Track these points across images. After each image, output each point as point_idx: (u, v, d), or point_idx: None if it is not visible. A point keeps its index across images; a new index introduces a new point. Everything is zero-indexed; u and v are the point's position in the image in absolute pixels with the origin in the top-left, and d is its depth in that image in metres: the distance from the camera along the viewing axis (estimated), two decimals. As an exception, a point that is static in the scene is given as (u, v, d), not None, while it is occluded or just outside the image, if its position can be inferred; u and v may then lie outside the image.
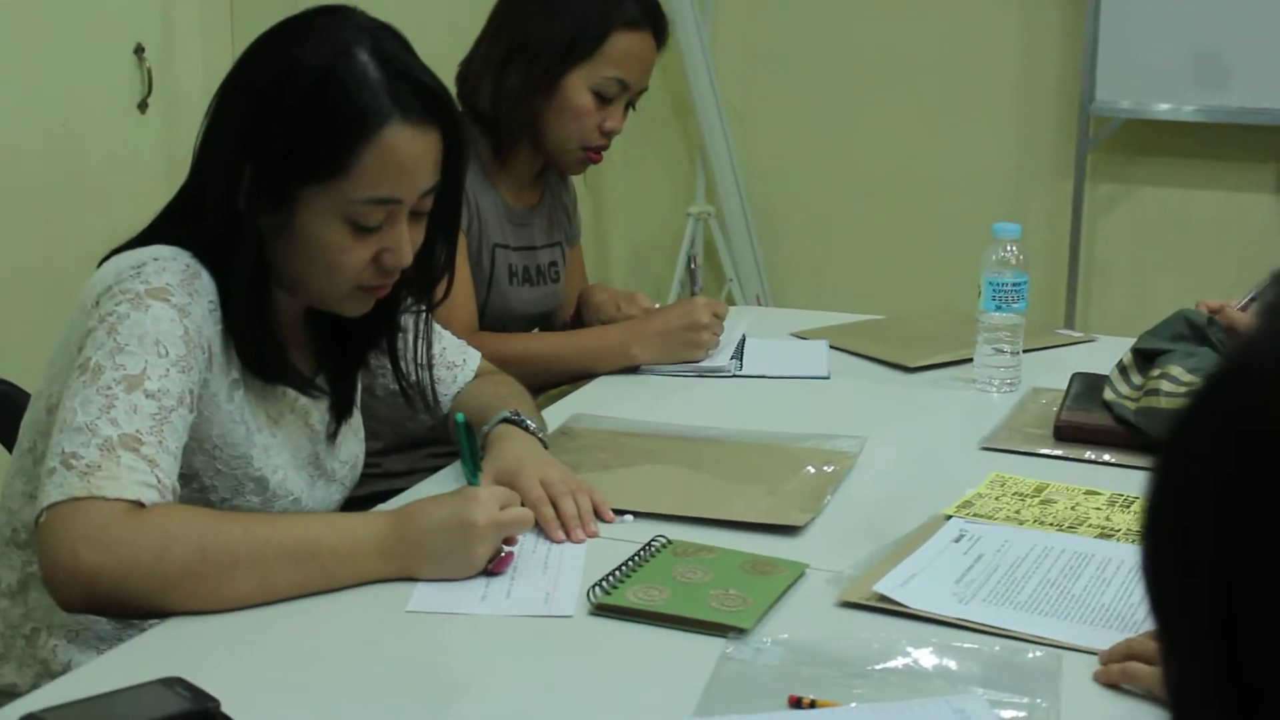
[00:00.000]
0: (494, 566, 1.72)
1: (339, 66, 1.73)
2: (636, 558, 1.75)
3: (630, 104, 2.74)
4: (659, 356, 2.65)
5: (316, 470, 1.94)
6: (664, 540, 1.80)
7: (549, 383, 2.68)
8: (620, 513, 1.94)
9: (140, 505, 1.59)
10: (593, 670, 1.55)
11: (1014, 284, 2.46)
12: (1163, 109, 4.61)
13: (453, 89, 2.72)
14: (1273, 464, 0.65)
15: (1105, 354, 2.61)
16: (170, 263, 1.72)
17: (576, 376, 2.64)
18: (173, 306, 1.69)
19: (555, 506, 1.89)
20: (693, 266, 2.95)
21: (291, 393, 1.88)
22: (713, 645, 1.55)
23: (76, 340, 1.70)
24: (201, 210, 1.77)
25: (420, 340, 2.03)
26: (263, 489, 1.82)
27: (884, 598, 1.66)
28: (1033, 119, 4.94)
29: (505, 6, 2.74)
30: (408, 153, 1.75)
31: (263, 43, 1.80)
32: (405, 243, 1.78)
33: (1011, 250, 2.46)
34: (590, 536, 1.87)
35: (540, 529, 1.86)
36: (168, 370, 1.66)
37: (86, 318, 1.70)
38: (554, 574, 1.77)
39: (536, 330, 2.87)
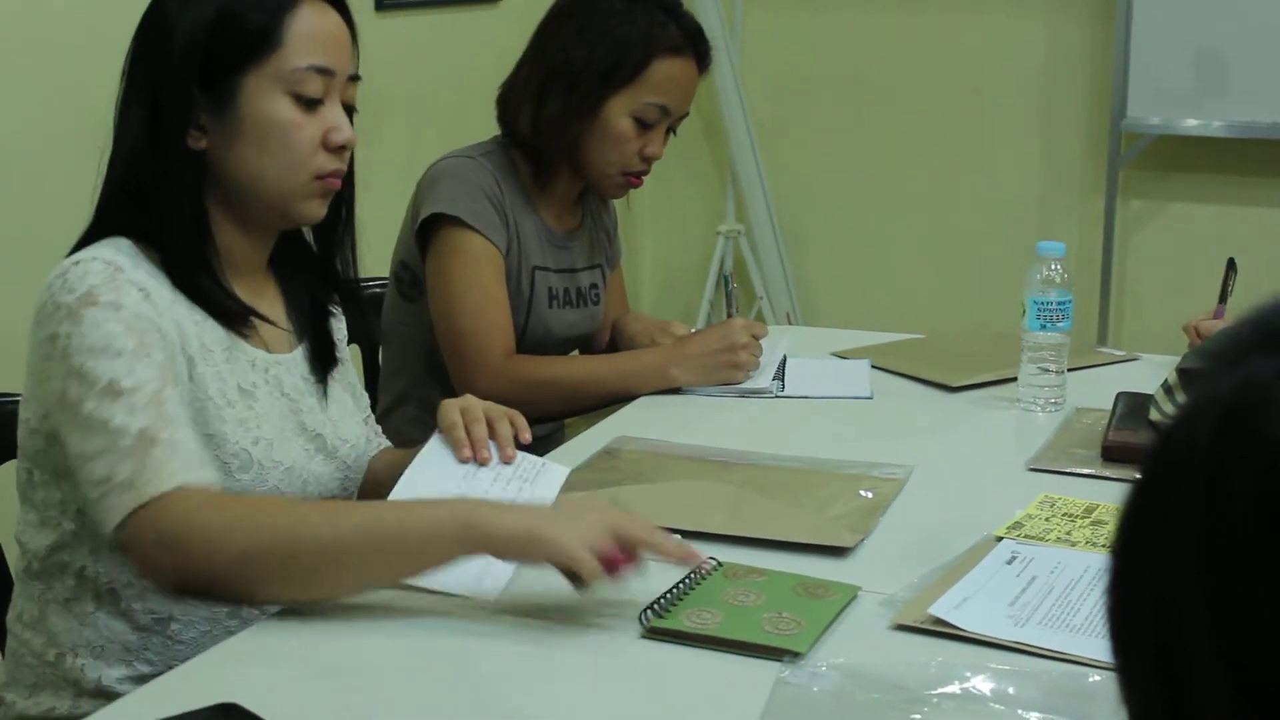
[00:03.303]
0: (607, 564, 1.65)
1: None
2: (688, 580, 1.74)
3: (671, 129, 2.74)
4: (698, 379, 2.64)
5: (312, 442, 1.92)
6: (715, 562, 1.79)
7: (587, 406, 2.68)
8: (668, 532, 1.93)
9: (199, 490, 1.65)
10: (647, 695, 1.55)
11: (1058, 303, 2.45)
12: (1193, 125, 4.59)
13: (493, 112, 2.75)
14: (1198, 529, 0.69)
15: (1148, 373, 2.60)
16: (91, 264, 1.73)
17: (614, 399, 2.63)
18: (102, 307, 1.70)
19: (468, 430, 1.95)
20: (730, 288, 2.94)
21: (260, 360, 1.88)
22: (767, 670, 1.54)
23: (36, 362, 1.74)
24: (129, 178, 1.80)
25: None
26: (248, 465, 1.81)
27: (939, 620, 1.65)
28: (1063, 136, 4.93)
29: (546, 30, 2.73)
30: (327, 24, 1.85)
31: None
32: (345, 120, 1.86)
33: (1056, 269, 2.45)
34: (507, 461, 1.94)
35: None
36: (131, 366, 1.68)
37: (35, 337, 1.74)
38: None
39: (575, 353, 2.86)
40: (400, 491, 1.86)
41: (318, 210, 1.88)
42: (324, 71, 1.83)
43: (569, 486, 2.01)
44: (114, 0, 3.08)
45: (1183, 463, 0.72)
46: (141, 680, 1.72)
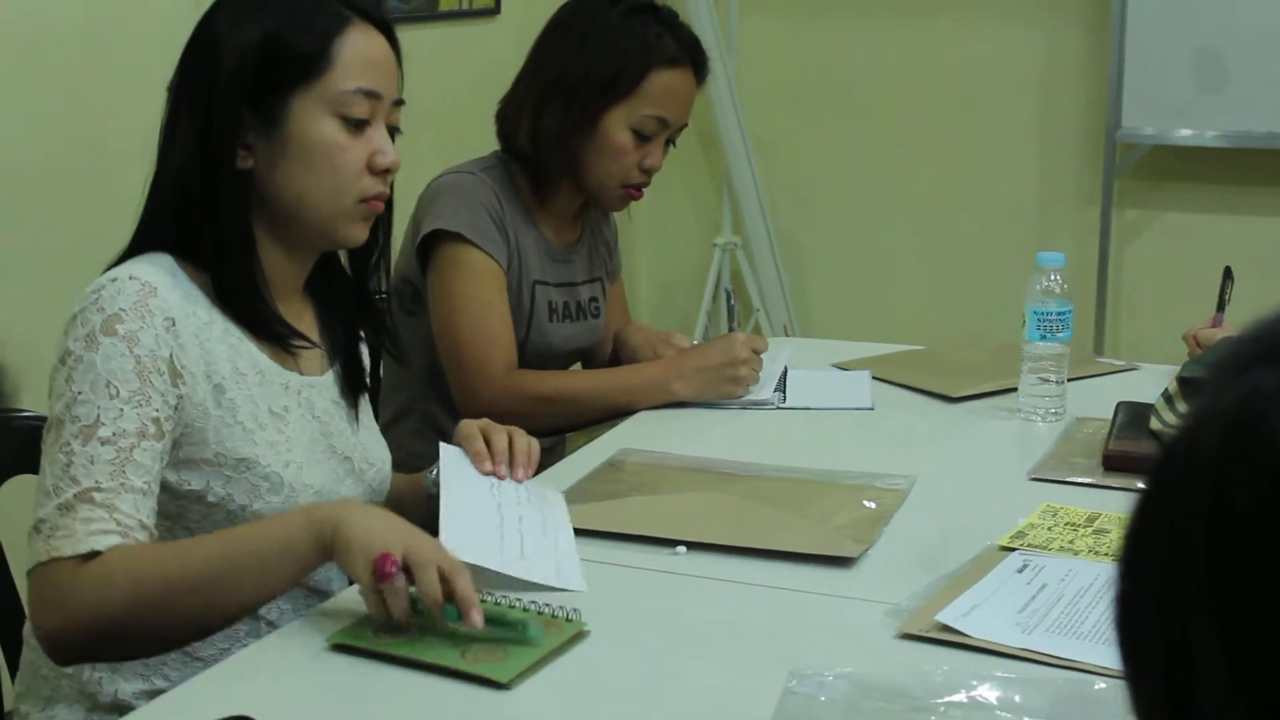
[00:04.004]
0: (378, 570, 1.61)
1: None
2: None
3: (670, 140, 2.74)
4: (698, 393, 2.64)
5: (340, 465, 1.93)
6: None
7: (589, 419, 2.69)
8: (673, 544, 1.95)
9: (95, 555, 1.63)
10: (656, 704, 1.56)
11: (1058, 313, 2.46)
12: (1187, 134, 4.61)
13: (493, 126, 2.75)
14: (1203, 543, 0.70)
15: (1147, 382, 2.61)
16: (126, 283, 1.74)
17: (616, 413, 2.64)
18: (121, 339, 1.70)
19: (488, 441, 2.01)
20: (730, 303, 2.95)
21: (293, 384, 1.88)
22: (775, 679, 1.55)
23: (54, 366, 1.74)
24: (175, 195, 1.81)
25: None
26: (279, 487, 1.81)
27: (946, 628, 1.66)
28: (1059, 147, 4.93)
29: (543, 45, 2.74)
30: (375, 48, 1.86)
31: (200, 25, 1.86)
32: (390, 143, 1.87)
33: (1055, 279, 2.46)
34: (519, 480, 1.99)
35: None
36: (121, 410, 1.68)
37: (61, 341, 1.74)
38: (553, 545, 1.89)
39: (576, 367, 2.87)
40: (450, 518, 1.84)
41: (360, 233, 1.89)
42: (371, 95, 1.84)
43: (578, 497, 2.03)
44: (117, 10, 3.11)
45: (1187, 477, 0.73)
46: (157, 696, 1.73)
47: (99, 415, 1.68)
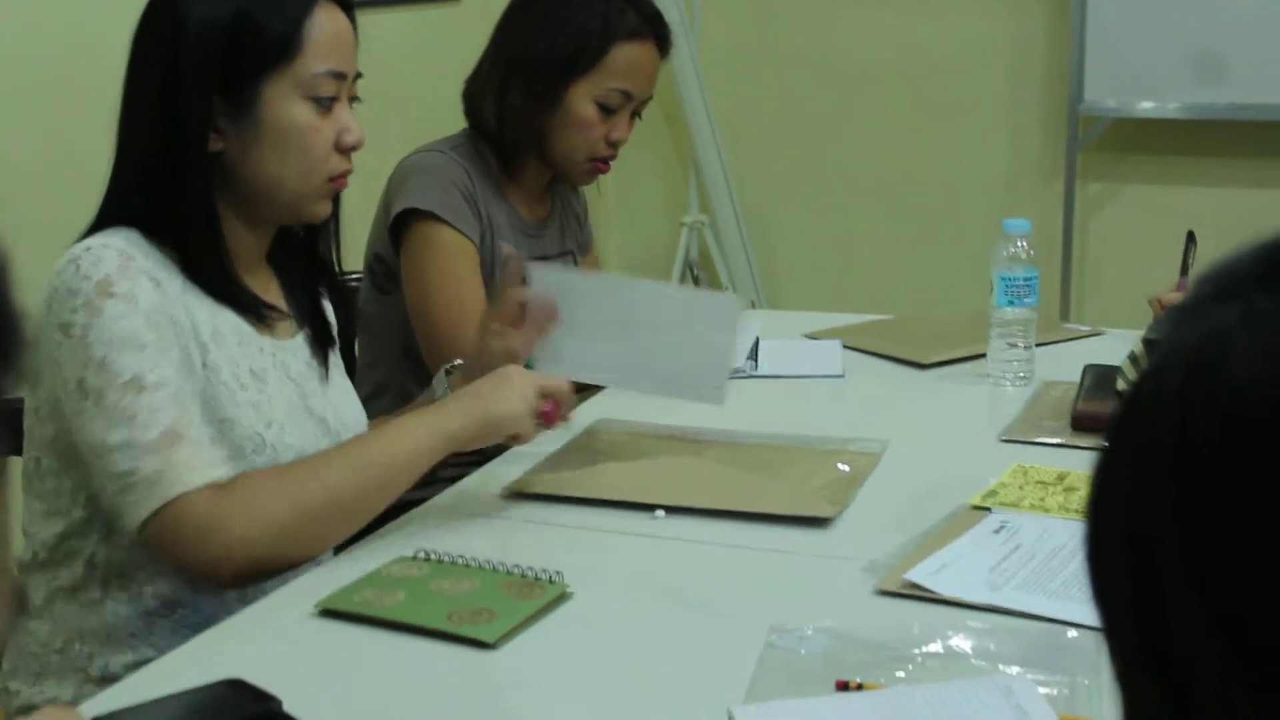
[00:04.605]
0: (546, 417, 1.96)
1: None
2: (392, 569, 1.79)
3: (636, 113, 2.77)
4: None
5: (317, 425, 1.97)
6: (424, 554, 1.81)
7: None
8: (651, 508, 1.98)
9: (217, 485, 1.71)
10: (640, 662, 1.59)
11: (1025, 279, 2.50)
12: (1148, 107, 4.65)
13: (459, 106, 2.78)
14: (1170, 477, 0.72)
15: (1113, 346, 2.65)
16: (103, 251, 1.76)
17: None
18: (120, 299, 1.74)
19: None
20: (695, 273, 2.98)
21: (268, 347, 1.92)
22: (755, 635, 1.58)
23: (46, 348, 1.76)
24: (140, 174, 1.83)
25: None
26: (261, 448, 1.84)
27: (917, 586, 1.70)
28: (1022, 120, 4.98)
29: (507, 23, 2.76)
30: (338, 27, 1.89)
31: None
32: (355, 121, 1.91)
33: (1022, 246, 2.50)
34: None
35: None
36: (155, 361, 1.73)
37: (44, 323, 1.76)
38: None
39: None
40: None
41: (326, 209, 1.94)
42: (339, 75, 1.87)
43: (554, 466, 2.05)
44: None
45: (1153, 414, 0.75)
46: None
47: (137, 369, 1.72)
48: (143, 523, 1.70)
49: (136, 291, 1.75)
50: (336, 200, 1.98)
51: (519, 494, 2.06)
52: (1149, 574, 0.74)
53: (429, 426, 1.88)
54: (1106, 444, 0.79)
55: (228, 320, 1.86)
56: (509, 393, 1.92)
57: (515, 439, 1.96)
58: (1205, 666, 0.73)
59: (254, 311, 1.90)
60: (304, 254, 2.03)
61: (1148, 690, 0.78)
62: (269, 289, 1.97)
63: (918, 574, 1.72)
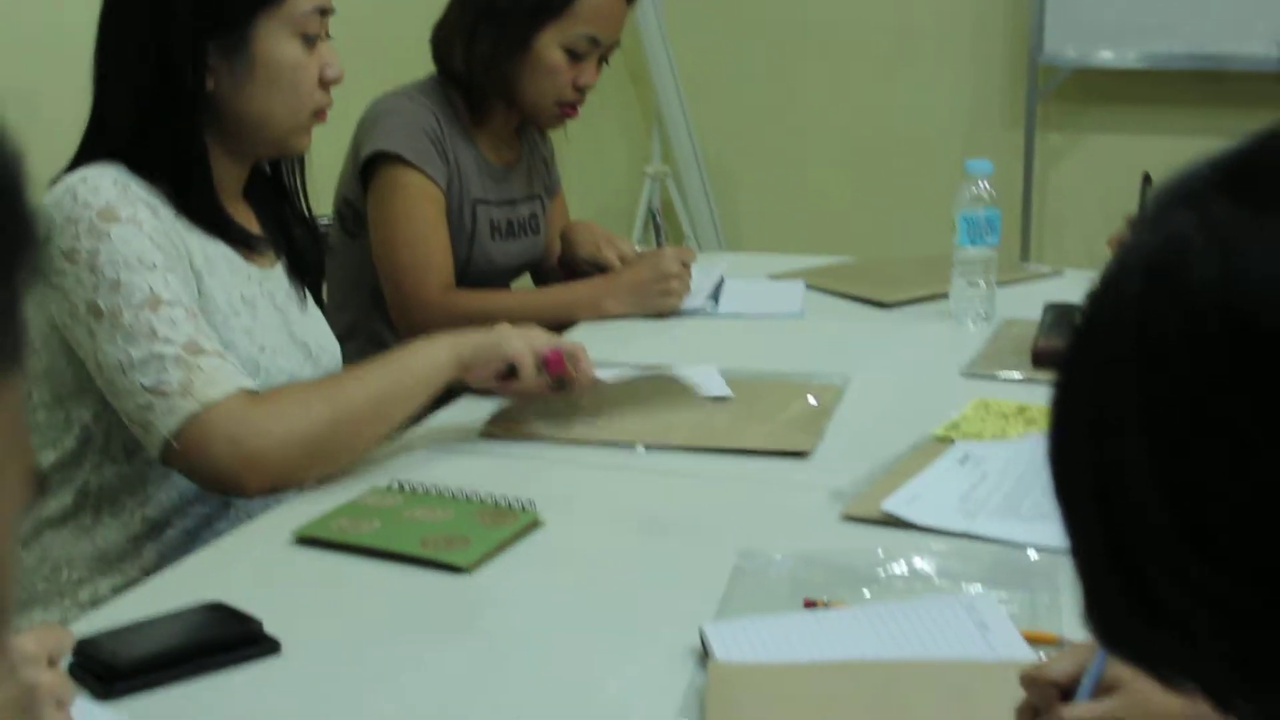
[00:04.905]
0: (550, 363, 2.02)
1: None
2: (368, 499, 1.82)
3: (603, 58, 2.79)
4: (631, 309, 2.70)
5: (300, 350, 2.01)
6: (399, 485, 1.84)
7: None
8: (630, 446, 2.01)
9: (248, 392, 1.75)
10: (611, 585, 1.62)
11: (987, 218, 2.54)
12: (1108, 57, 4.69)
13: (427, 52, 2.79)
14: (1133, 375, 0.75)
15: (1073, 286, 2.69)
16: (100, 180, 1.80)
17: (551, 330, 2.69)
18: (125, 223, 1.77)
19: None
20: (657, 220, 3.01)
21: (254, 275, 1.96)
22: (725, 560, 1.62)
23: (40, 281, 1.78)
24: (126, 111, 1.86)
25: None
26: (255, 372, 1.87)
27: (890, 516, 1.73)
28: (983, 71, 5.01)
29: (475, -32, 2.78)
30: None
31: None
32: (336, 56, 1.95)
33: (983, 186, 2.54)
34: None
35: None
36: (165, 279, 1.77)
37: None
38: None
39: (524, 282, 2.92)
40: None
41: (308, 142, 1.99)
42: (324, 11, 1.91)
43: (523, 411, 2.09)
44: None
45: (1113, 318, 0.78)
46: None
47: (151, 287, 1.75)
48: (173, 434, 1.73)
49: (139, 215, 1.78)
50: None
51: (496, 434, 2.08)
52: (1112, 472, 0.77)
53: (447, 345, 1.95)
54: (1071, 342, 0.82)
55: (217, 250, 1.90)
56: (517, 331, 2.03)
57: (515, 380, 2.01)
58: (1167, 561, 0.76)
59: (242, 241, 1.94)
60: (273, 187, 2.06)
61: (1107, 583, 0.81)
62: (249, 221, 2.00)
63: (893, 504, 1.75)
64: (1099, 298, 0.80)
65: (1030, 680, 1.20)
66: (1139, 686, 1.16)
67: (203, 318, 1.80)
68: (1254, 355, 0.72)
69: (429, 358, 1.94)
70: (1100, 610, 0.84)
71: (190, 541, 1.83)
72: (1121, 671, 1.16)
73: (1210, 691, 0.81)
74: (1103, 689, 1.16)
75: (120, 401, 1.76)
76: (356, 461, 1.89)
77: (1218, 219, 0.75)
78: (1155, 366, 0.75)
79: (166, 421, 1.73)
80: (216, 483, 1.80)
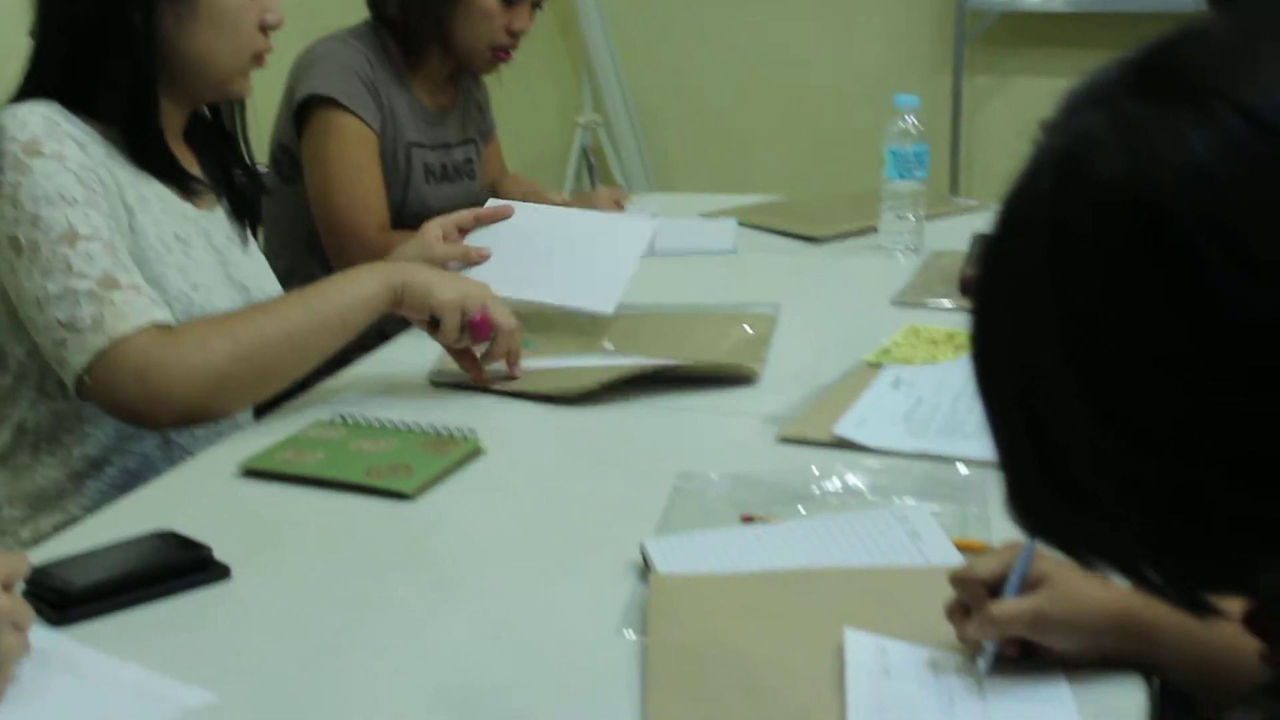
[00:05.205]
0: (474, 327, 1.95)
1: None
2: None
3: (536, 4, 2.81)
4: None
5: (239, 293, 2.02)
6: (342, 418, 1.87)
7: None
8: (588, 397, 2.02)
9: (159, 327, 1.75)
10: (553, 508, 1.66)
11: (914, 152, 2.58)
12: (1034, 2, 4.74)
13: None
14: (1047, 270, 0.78)
15: (1000, 219, 2.73)
16: (28, 116, 1.81)
17: None
18: (49, 158, 1.78)
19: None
20: (590, 160, 3.03)
21: (190, 214, 1.97)
22: (664, 483, 1.65)
23: None
24: (68, 51, 1.87)
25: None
26: (188, 308, 1.89)
27: (840, 439, 1.76)
28: (911, 15, 5.04)
29: (410, -87, 2.79)
30: None
31: None
32: (277, 1, 1.98)
33: (911, 121, 2.58)
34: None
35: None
36: (86, 214, 1.77)
37: None
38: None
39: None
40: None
41: (247, 87, 2.00)
42: None
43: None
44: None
45: (1028, 215, 0.82)
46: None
47: (69, 222, 1.76)
48: (85, 369, 1.74)
49: (64, 151, 1.79)
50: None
51: (444, 383, 2.08)
52: (1031, 362, 0.80)
53: (379, 278, 1.93)
54: (987, 248, 0.86)
55: (152, 188, 1.91)
56: (458, 280, 1.99)
57: (439, 328, 1.95)
58: (1085, 445, 0.80)
59: (181, 182, 1.95)
60: (214, 131, 2.07)
61: (1030, 471, 0.85)
62: (189, 163, 2.01)
63: (842, 428, 1.79)
64: (1013, 198, 0.83)
65: (959, 579, 1.24)
66: (1062, 581, 1.21)
67: (125, 253, 1.80)
68: (1161, 243, 0.75)
69: (356, 291, 1.91)
70: (1024, 498, 0.87)
71: (132, 481, 1.85)
72: (1046, 568, 1.21)
73: (1124, 567, 0.84)
74: (1028, 585, 1.21)
75: (39, 336, 1.77)
76: (275, 392, 1.89)
77: (1125, 115, 0.78)
78: (1068, 259, 0.78)
79: (78, 357, 1.74)
80: (128, 416, 1.81)
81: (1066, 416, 0.79)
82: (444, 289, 1.94)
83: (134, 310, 1.75)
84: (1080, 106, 0.81)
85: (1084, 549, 0.87)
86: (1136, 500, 0.79)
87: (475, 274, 2.16)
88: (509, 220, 2.28)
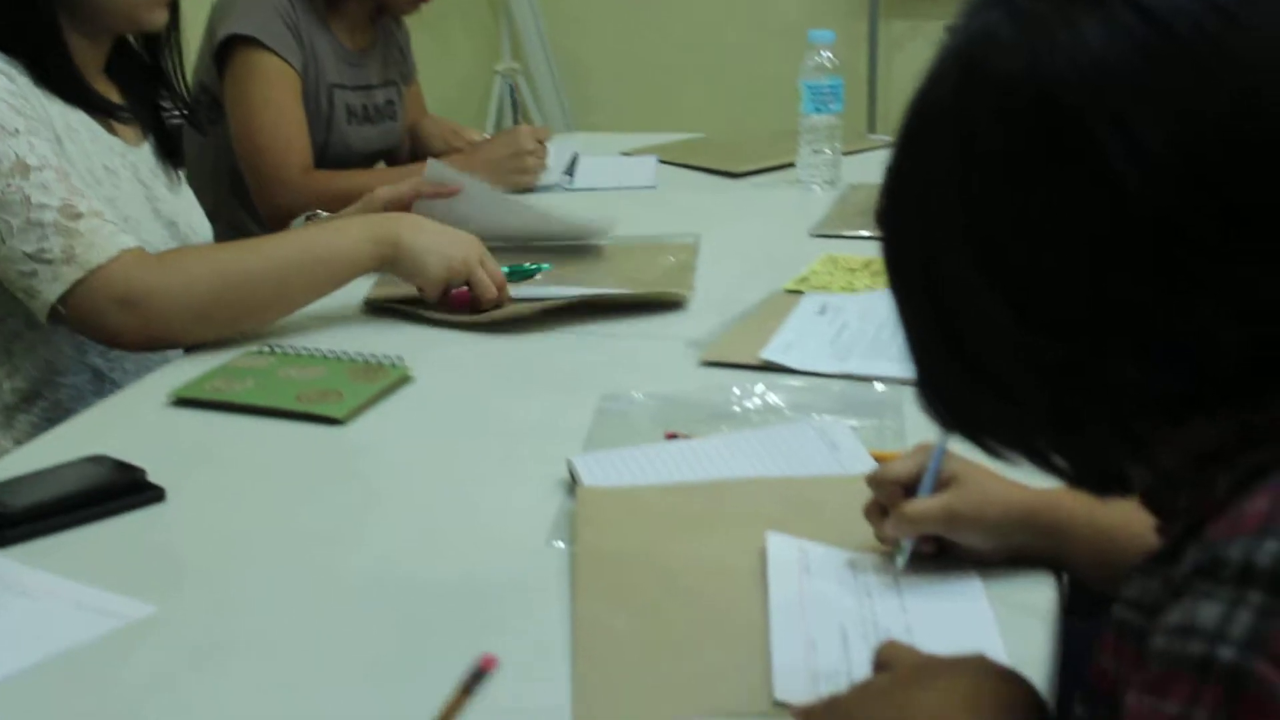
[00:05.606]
0: (454, 299, 2.01)
1: None
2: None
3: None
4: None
5: (166, 229, 2.04)
6: (270, 348, 1.90)
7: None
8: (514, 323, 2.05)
9: (132, 253, 1.78)
10: (481, 430, 1.69)
11: (830, 86, 2.62)
12: (948, -56, 4.78)
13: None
14: (955, 165, 0.83)
15: (916, 154, 2.78)
16: None
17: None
18: None
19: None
20: (514, 97, 3.06)
21: (117, 147, 1.98)
22: (588, 404, 1.69)
23: None
24: None
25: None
26: None
27: (768, 363, 1.80)
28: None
29: None
30: None
31: None
32: None
33: (826, 55, 2.62)
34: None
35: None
36: (30, 143, 1.78)
37: None
38: None
39: (381, 166, 2.96)
40: None
41: (162, 17, 1.99)
42: None
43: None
44: None
45: (934, 113, 0.86)
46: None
47: (16, 153, 1.76)
48: (60, 299, 1.76)
49: None
50: (175, 10, 2.03)
51: (377, 305, 2.10)
52: (938, 250, 0.85)
53: (371, 241, 1.95)
54: (895, 143, 0.90)
55: (79, 118, 1.91)
56: (450, 249, 1.99)
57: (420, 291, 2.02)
58: (990, 329, 0.84)
59: (104, 111, 1.95)
60: (142, 66, 2.07)
61: (940, 360, 0.89)
62: (112, 98, 2.02)
63: (770, 352, 1.83)
64: (920, 94, 0.88)
65: (875, 480, 1.29)
66: (973, 480, 1.25)
67: (76, 178, 1.81)
68: (1061, 134, 0.79)
69: (348, 247, 1.94)
70: (934, 385, 0.92)
71: (63, 415, 1.86)
72: (957, 468, 1.26)
73: (1028, 449, 0.89)
74: (941, 484, 1.26)
75: (2, 269, 1.78)
76: (256, 326, 1.93)
77: (1022, 10, 0.83)
78: (971, 150, 0.82)
79: (52, 288, 1.76)
80: (108, 341, 1.85)
81: (969, 300, 0.83)
82: (433, 264, 1.97)
83: (103, 238, 1.77)
84: (981, 5, 0.85)
85: (990, 434, 0.91)
86: (1036, 379, 0.83)
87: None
88: (470, 191, 2.30)
